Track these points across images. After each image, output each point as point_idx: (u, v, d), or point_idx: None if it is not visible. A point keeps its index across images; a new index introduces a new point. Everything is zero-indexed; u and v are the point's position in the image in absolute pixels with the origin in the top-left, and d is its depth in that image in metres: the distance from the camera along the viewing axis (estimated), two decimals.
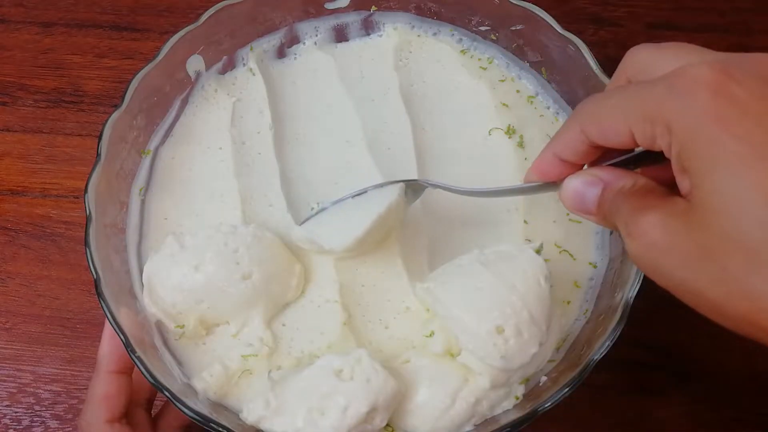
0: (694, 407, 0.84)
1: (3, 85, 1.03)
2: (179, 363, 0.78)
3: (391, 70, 0.93)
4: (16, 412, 0.84)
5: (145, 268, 0.80)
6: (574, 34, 0.85)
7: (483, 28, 0.94)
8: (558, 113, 0.91)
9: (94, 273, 0.75)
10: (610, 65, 0.84)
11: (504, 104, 0.91)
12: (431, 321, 0.77)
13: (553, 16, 0.87)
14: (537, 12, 0.87)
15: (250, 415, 0.72)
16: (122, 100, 0.83)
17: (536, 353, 0.71)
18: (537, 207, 0.85)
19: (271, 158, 0.88)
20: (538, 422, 0.71)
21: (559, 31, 0.86)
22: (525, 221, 0.84)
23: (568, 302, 0.81)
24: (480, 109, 0.92)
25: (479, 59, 0.96)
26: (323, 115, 0.92)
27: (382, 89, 0.93)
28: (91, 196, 0.78)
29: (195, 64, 0.91)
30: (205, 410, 0.71)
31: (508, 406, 0.74)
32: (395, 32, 0.97)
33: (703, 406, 0.84)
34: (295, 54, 0.97)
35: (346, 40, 0.98)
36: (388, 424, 0.72)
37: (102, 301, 0.73)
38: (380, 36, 0.98)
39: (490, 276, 0.72)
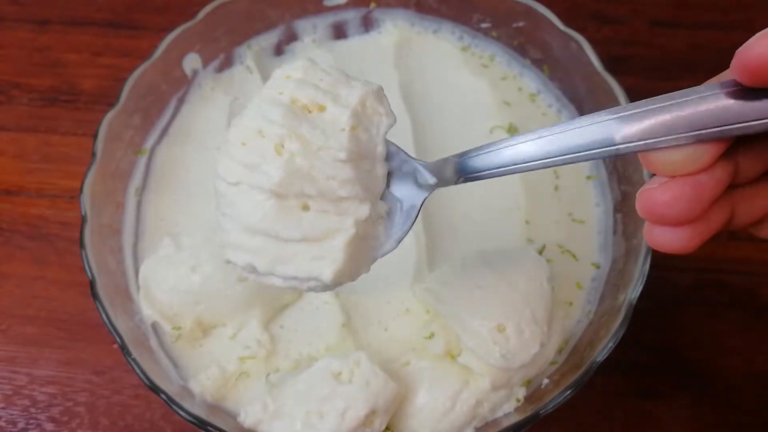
0: (697, 409, 0.83)
1: None
2: (176, 365, 0.77)
3: (391, 68, 0.92)
4: (11, 415, 0.83)
5: (141, 270, 0.79)
6: (577, 32, 0.85)
7: (484, 25, 0.93)
8: (560, 111, 0.90)
9: (89, 274, 0.74)
10: (612, 63, 0.84)
11: (506, 102, 0.90)
12: (431, 322, 0.76)
13: (555, 13, 0.86)
14: (539, 9, 0.86)
15: (248, 418, 0.71)
16: (118, 99, 0.82)
17: (537, 353, 0.71)
18: (539, 207, 0.85)
19: None
20: (540, 424, 0.70)
21: (561, 28, 0.85)
22: (526, 221, 0.83)
23: (571, 303, 0.80)
24: (481, 107, 0.90)
25: (480, 57, 0.94)
26: None
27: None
28: (86, 196, 0.77)
29: (192, 62, 0.90)
30: (202, 413, 0.70)
31: (509, 408, 0.73)
32: (395, 30, 0.95)
33: (706, 407, 0.83)
34: (293, 52, 0.96)
35: (345, 37, 0.97)
36: (387, 427, 0.71)
37: (98, 303, 0.72)
38: (380, 33, 0.97)
39: (492, 275, 0.71)
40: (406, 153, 0.58)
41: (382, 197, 0.57)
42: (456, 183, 0.56)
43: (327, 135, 0.54)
